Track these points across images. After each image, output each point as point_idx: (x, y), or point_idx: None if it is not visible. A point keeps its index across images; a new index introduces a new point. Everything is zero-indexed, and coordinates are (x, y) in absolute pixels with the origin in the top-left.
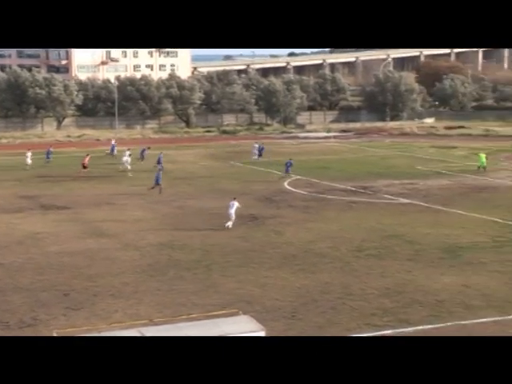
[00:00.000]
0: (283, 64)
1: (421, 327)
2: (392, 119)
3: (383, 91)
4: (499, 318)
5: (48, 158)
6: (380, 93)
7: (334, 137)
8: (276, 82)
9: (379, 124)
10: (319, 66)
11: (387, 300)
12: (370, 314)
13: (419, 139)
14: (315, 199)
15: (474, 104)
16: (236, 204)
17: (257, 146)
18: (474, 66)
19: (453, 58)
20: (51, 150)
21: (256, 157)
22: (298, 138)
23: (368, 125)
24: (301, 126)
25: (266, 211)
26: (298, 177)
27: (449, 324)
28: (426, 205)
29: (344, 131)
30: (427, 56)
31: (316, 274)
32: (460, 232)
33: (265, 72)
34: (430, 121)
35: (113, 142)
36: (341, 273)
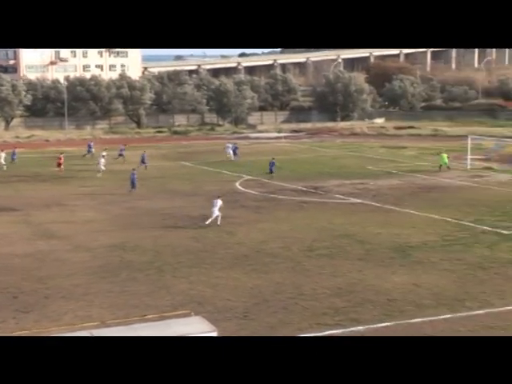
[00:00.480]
0: (234, 64)
1: (372, 326)
2: (342, 119)
3: (334, 91)
4: (448, 316)
5: (13, 158)
6: (330, 93)
7: (285, 137)
8: (227, 83)
9: (330, 124)
10: (270, 67)
11: (338, 299)
12: (321, 313)
13: (369, 139)
14: (267, 199)
15: (423, 104)
16: (220, 202)
17: (230, 145)
18: (423, 67)
19: (402, 58)
20: (16, 151)
21: (232, 157)
22: (249, 138)
23: (319, 125)
24: (252, 127)
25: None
26: (250, 177)
27: (398, 322)
28: (377, 204)
29: (295, 131)
30: (377, 57)
31: (268, 274)
32: (410, 231)
33: (216, 72)
34: (380, 121)
35: (90, 142)
36: (292, 273)
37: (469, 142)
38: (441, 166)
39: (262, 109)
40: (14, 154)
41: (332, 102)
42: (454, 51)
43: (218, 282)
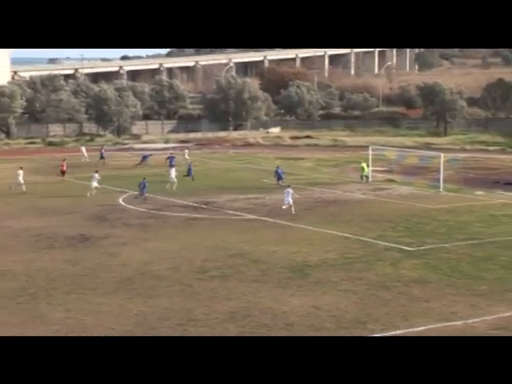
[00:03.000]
0: (116, 68)
1: None
2: (235, 129)
3: (225, 99)
4: None
5: None
6: (222, 100)
7: (173, 148)
8: (107, 89)
9: (221, 134)
10: (156, 71)
11: (232, 325)
12: None
13: (264, 150)
14: (153, 216)
15: (320, 112)
16: (291, 191)
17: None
18: (321, 72)
19: (298, 63)
20: None
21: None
22: (133, 149)
23: (209, 135)
24: (136, 137)
25: (97, 231)
26: (135, 192)
27: None
28: (273, 220)
29: (183, 142)
30: (271, 61)
31: (154, 299)
32: (308, 249)
33: (95, 77)
34: (275, 130)
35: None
36: (182, 296)
37: (370, 152)
38: (362, 176)
39: (146, 117)
40: None
41: (224, 110)
42: (352, 55)
43: (100, 309)
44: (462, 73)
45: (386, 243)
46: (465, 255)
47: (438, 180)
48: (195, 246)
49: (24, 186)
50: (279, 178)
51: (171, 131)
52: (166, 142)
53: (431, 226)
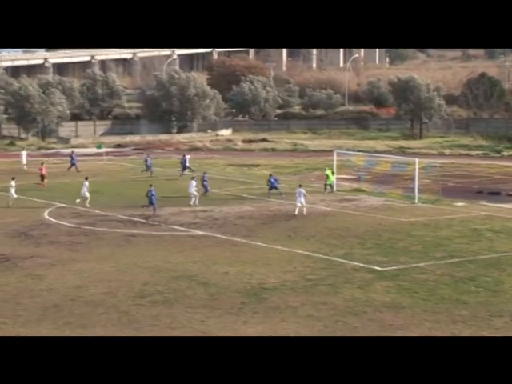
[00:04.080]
0: (40, 61)
1: None
2: (180, 131)
3: (168, 96)
4: None
5: None
6: (164, 98)
7: (107, 153)
8: (30, 84)
9: (164, 137)
10: (87, 64)
11: None
12: None
13: (213, 155)
14: (85, 233)
15: (278, 112)
16: (303, 191)
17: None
18: (278, 66)
19: (252, 55)
20: None
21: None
22: (60, 154)
23: (150, 138)
24: (64, 140)
25: (20, 250)
26: (63, 205)
27: None
28: (224, 237)
29: (119, 146)
30: (221, 53)
31: (87, 329)
32: (265, 270)
33: (15, 71)
34: (226, 132)
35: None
36: (118, 326)
37: (335, 158)
38: (326, 185)
39: (76, 118)
40: None
41: (166, 110)
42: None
43: None
44: (440, 66)
45: (353, 262)
46: (444, 276)
47: (413, 190)
48: (134, 266)
49: None
50: (272, 187)
51: (105, 133)
52: (99, 146)
53: (405, 242)
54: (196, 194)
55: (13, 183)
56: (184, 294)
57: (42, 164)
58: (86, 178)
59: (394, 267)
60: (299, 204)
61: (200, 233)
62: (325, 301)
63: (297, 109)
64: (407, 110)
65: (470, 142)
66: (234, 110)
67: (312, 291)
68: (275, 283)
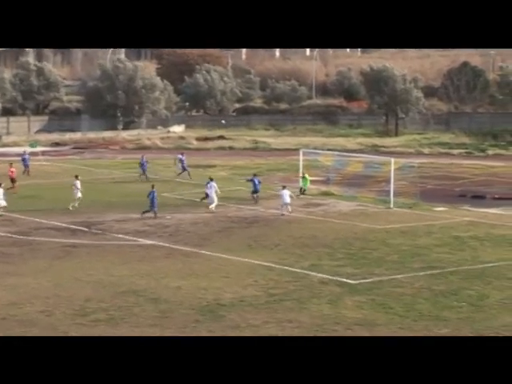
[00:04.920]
0: None
1: None
2: (126, 127)
3: (112, 88)
4: None
5: None
6: (108, 90)
7: (43, 153)
8: None
9: (108, 134)
10: (20, 52)
11: None
12: None
13: (164, 154)
14: (18, 243)
15: (237, 106)
16: (287, 192)
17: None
18: (237, 54)
19: None
20: None
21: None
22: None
23: (92, 135)
24: None
25: None
26: None
27: None
28: (176, 247)
29: (57, 144)
30: None
31: None
32: (222, 284)
33: None
34: (178, 129)
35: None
36: None
37: (300, 157)
38: (302, 189)
39: (8, 112)
40: None
41: (110, 103)
42: None
43: None
44: (418, 55)
45: (322, 275)
46: (422, 289)
47: (388, 193)
48: (74, 281)
49: None
50: (255, 191)
51: (41, 130)
52: (34, 145)
53: (379, 252)
54: (215, 198)
55: None
56: (131, 311)
57: (11, 165)
58: (76, 177)
59: (366, 280)
60: (284, 204)
61: (149, 242)
62: (290, 318)
63: (258, 102)
64: (381, 103)
65: (452, 140)
66: (187, 104)
67: (275, 307)
68: (233, 299)
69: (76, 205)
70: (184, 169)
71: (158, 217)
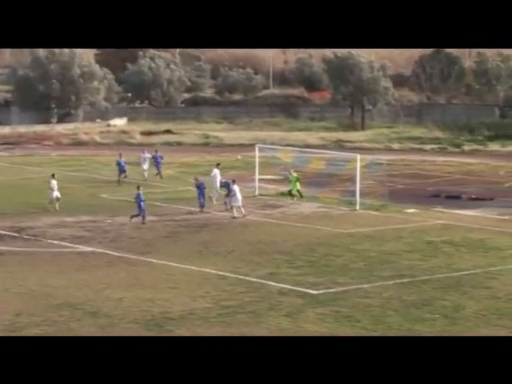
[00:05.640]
0: None
1: None
2: (61, 120)
3: (46, 77)
4: None
5: None
6: (41, 79)
7: None
8: None
9: (41, 128)
10: None
11: None
12: None
13: (104, 151)
14: None
15: (185, 96)
16: (236, 187)
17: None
18: None
19: None
20: None
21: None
22: None
23: (23, 129)
24: None
25: None
26: None
27: None
28: (117, 254)
29: None
30: None
31: None
32: (169, 295)
33: None
34: (120, 122)
35: None
36: None
37: (256, 154)
38: (291, 192)
39: None
40: None
41: (43, 94)
42: None
43: None
44: None
45: (280, 284)
46: (392, 300)
47: (354, 193)
48: (2, 292)
49: None
50: (229, 190)
51: None
52: None
53: (344, 258)
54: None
55: None
56: (67, 326)
57: None
58: (53, 176)
59: (330, 290)
60: (237, 204)
61: (87, 249)
62: (245, 333)
63: (209, 93)
64: (346, 94)
65: (424, 134)
66: (129, 95)
67: (228, 321)
68: (182, 312)
69: (56, 206)
70: (157, 168)
71: (97, 221)
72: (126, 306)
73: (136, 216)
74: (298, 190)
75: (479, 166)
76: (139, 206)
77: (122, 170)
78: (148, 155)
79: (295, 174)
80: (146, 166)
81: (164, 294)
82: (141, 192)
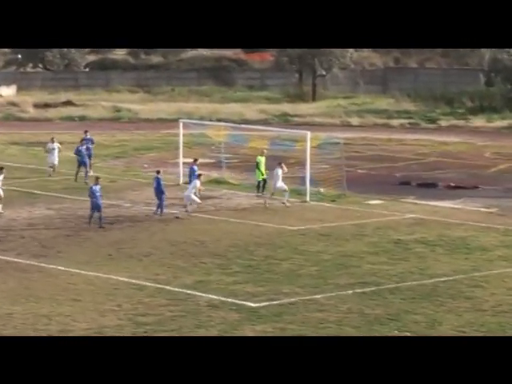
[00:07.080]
0: None
1: None
2: None
3: None
4: None
5: None
6: None
7: None
8: None
9: None
10: None
11: None
12: None
13: None
14: None
15: (90, 59)
16: (198, 182)
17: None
18: None
19: None
20: None
21: None
22: None
23: None
24: None
25: None
26: None
27: None
28: (5, 258)
29: None
30: None
31: None
32: (71, 309)
33: None
34: (7, 92)
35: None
36: None
37: (180, 131)
38: (260, 185)
39: None
40: None
41: None
42: None
43: None
44: None
45: (211, 295)
46: (351, 314)
47: (303, 180)
48: None
49: None
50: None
51: None
52: None
53: (291, 262)
54: (195, 199)
55: None
56: None
57: None
58: (1, 169)
59: (274, 302)
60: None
61: None
62: None
63: (120, 54)
64: (293, 55)
65: (390, 106)
66: (19, 56)
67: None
68: (88, 330)
69: None
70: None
71: None
72: (16, 324)
73: (99, 219)
74: (265, 180)
75: (460, 145)
76: (94, 204)
77: (82, 162)
78: (57, 144)
79: (263, 158)
80: (55, 160)
81: (64, 307)
82: (97, 186)
